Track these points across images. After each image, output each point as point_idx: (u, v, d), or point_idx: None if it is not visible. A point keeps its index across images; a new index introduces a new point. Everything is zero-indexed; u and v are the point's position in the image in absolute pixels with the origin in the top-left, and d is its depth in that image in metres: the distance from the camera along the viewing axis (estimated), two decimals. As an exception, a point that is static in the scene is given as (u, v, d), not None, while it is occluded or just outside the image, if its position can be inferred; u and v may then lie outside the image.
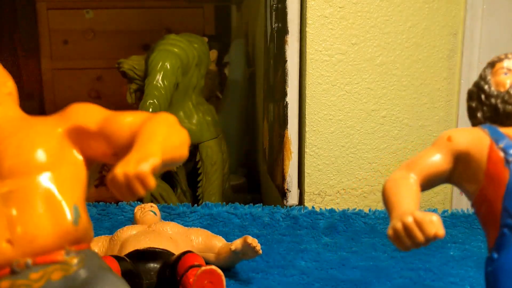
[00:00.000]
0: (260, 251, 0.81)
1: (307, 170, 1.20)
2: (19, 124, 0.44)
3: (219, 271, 0.74)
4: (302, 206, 1.19)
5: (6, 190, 0.38)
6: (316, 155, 1.19)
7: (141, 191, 0.35)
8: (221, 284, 0.74)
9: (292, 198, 1.23)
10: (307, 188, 1.21)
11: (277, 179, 1.29)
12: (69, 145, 0.43)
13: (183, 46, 1.39)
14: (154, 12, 2.09)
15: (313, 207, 1.16)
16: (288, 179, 1.22)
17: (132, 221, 1.04)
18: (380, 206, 1.22)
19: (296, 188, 1.22)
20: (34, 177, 0.39)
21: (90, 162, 0.44)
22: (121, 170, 0.35)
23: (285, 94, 1.19)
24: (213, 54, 1.71)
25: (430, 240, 0.46)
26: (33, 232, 0.37)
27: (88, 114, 0.44)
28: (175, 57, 1.36)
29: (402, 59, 1.16)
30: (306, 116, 1.17)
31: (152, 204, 0.96)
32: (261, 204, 1.16)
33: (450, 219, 1.10)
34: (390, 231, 0.48)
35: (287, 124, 1.20)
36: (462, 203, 1.22)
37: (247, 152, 1.87)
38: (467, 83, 1.17)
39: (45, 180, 0.39)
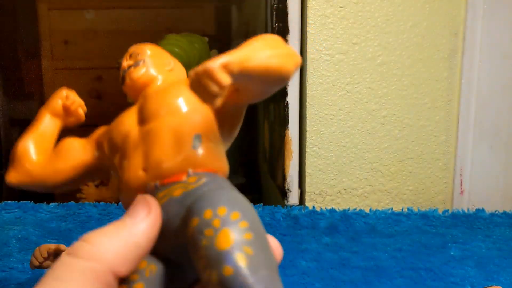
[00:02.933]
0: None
1: (307, 170, 1.20)
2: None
3: (220, 271, 0.74)
4: (302, 206, 1.19)
5: (146, 129, 0.45)
6: (317, 154, 1.19)
7: (212, 86, 0.39)
8: (222, 284, 0.73)
9: (293, 198, 1.22)
10: (307, 188, 1.21)
11: (277, 179, 1.29)
12: None
13: (184, 46, 1.38)
14: (154, 12, 2.09)
15: (313, 207, 1.16)
16: (288, 179, 1.22)
17: (133, 221, 1.04)
18: (381, 206, 1.22)
19: (297, 188, 1.22)
20: (166, 118, 0.44)
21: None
22: (193, 70, 0.39)
23: (285, 93, 1.18)
24: (213, 54, 1.72)
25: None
26: (160, 158, 0.42)
27: None
28: (176, 57, 1.36)
29: (403, 58, 1.16)
30: (307, 115, 1.17)
31: (152, 204, 0.96)
32: (262, 204, 1.16)
33: (451, 219, 1.10)
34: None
35: (287, 124, 1.20)
36: (462, 203, 1.22)
37: (247, 152, 1.86)
38: (468, 83, 1.17)
39: (174, 119, 0.44)
